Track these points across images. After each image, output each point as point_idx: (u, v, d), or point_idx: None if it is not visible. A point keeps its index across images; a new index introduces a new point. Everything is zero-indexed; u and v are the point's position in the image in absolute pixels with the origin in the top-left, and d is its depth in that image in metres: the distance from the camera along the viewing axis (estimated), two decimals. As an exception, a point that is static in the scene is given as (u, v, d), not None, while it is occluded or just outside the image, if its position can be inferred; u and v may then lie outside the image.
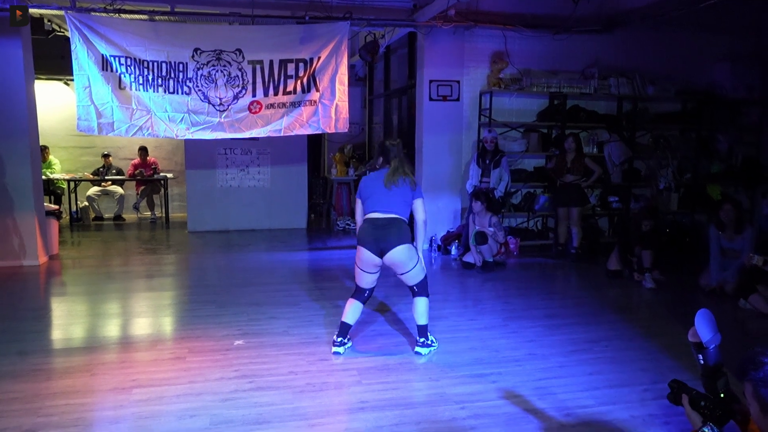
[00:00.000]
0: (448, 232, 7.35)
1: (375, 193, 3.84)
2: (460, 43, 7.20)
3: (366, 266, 3.84)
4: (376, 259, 3.79)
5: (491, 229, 6.36)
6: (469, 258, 6.47)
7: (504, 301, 5.32)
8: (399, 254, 3.75)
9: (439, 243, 7.24)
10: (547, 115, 7.52)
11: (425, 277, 3.94)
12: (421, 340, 3.95)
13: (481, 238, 6.28)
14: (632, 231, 6.09)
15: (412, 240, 3.85)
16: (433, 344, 4.00)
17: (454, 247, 7.01)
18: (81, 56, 5.99)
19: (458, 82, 7.26)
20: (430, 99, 7.22)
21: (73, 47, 5.96)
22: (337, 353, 3.89)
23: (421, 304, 3.91)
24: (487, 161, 6.81)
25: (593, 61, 7.55)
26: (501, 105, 7.45)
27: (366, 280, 3.90)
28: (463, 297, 5.58)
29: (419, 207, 3.91)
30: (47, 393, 3.29)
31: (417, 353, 3.92)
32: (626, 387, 3.45)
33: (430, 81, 7.19)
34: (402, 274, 3.86)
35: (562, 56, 7.47)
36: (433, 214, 7.35)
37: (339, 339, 3.93)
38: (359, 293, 3.95)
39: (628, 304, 5.40)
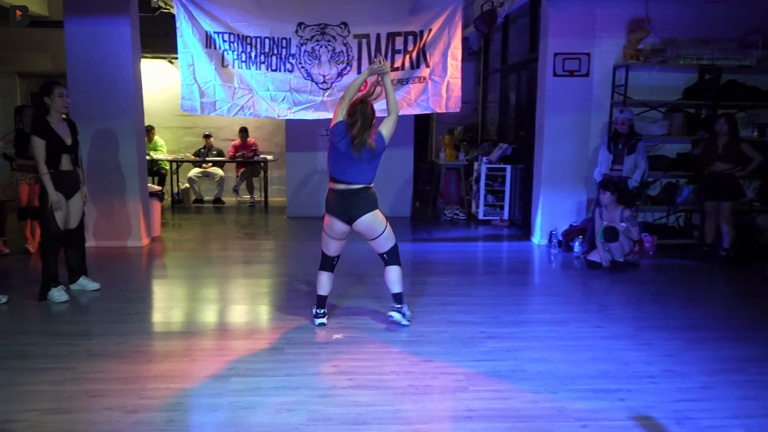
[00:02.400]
0: (571, 226, 7.11)
1: (341, 160, 4.11)
2: (591, 10, 6.90)
3: (334, 233, 4.26)
4: (345, 227, 4.21)
5: (623, 224, 6.07)
6: (594, 256, 6.22)
7: (635, 307, 5.07)
8: (366, 221, 4.17)
9: (560, 238, 7.03)
10: (695, 92, 7.05)
11: (395, 244, 4.35)
12: (398, 306, 4.38)
13: (611, 234, 6.01)
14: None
15: (377, 206, 4.24)
16: (406, 313, 4.42)
17: (577, 244, 6.78)
18: (186, 33, 6.39)
19: (588, 54, 6.97)
20: (555, 74, 6.99)
21: (178, 24, 6.38)
22: (321, 324, 4.38)
23: (393, 273, 4.33)
24: (620, 146, 6.51)
25: (755, 28, 6.94)
26: (639, 81, 7.07)
27: (332, 247, 4.33)
28: (587, 300, 5.39)
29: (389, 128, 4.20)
30: (148, 375, 3.58)
31: (390, 317, 4.38)
32: (787, 417, 3.17)
33: (555, 54, 6.95)
34: (372, 240, 4.28)
35: (717, 22, 6.95)
36: (553, 205, 7.21)
37: (321, 311, 4.41)
38: (326, 262, 4.39)
39: (792, 319, 4.95)
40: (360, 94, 4.24)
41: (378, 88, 4.33)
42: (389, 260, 4.34)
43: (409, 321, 4.43)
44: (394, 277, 4.34)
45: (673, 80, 7.19)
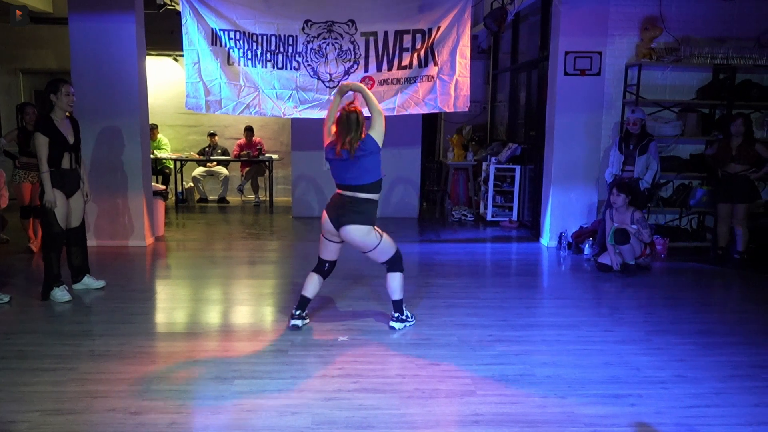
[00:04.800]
0: (581, 228, 7.10)
1: (336, 167, 4.17)
2: (604, 8, 6.88)
3: (324, 231, 4.27)
4: (333, 229, 4.20)
5: (634, 226, 6.05)
6: (605, 259, 6.21)
7: (647, 311, 5.06)
8: (353, 233, 4.14)
9: (570, 240, 7.01)
10: (709, 91, 7.02)
11: (396, 252, 4.31)
12: (396, 315, 4.37)
13: (622, 236, 5.99)
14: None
15: (373, 223, 4.20)
16: (408, 319, 4.42)
17: (587, 246, 6.77)
18: (191, 31, 6.42)
19: (600, 53, 6.95)
20: (565, 73, 6.97)
21: (183, 21, 6.41)
22: (295, 326, 4.34)
23: (394, 280, 4.31)
24: (632, 146, 6.48)
25: (772, 26, 6.91)
26: (652, 80, 7.05)
27: (326, 249, 4.33)
28: (598, 304, 5.38)
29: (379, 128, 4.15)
30: (152, 377, 3.60)
31: (391, 328, 4.35)
32: (802, 425, 3.16)
33: (566, 52, 6.94)
34: (366, 252, 4.26)
35: (732, 20, 6.93)
36: (563, 206, 7.20)
37: (297, 312, 4.36)
38: (319, 266, 4.38)
39: (808, 324, 4.92)
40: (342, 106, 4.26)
41: (359, 97, 4.39)
42: (390, 268, 4.32)
43: (413, 321, 4.45)
44: (395, 284, 4.32)
45: (687, 79, 7.16)
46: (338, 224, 4.16)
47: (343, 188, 4.20)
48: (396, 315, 4.38)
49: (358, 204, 4.14)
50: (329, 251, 4.35)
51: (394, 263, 4.31)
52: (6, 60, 10.10)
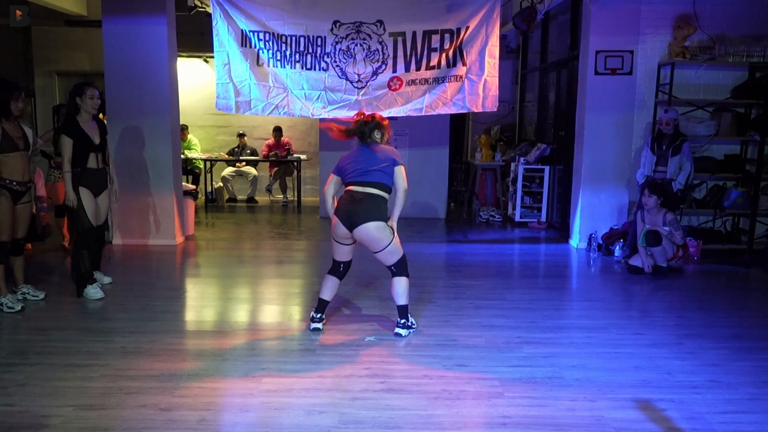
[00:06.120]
0: (611, 229, 7.00)
1: (351, 166, 4.19)
2: (635, 6, 6.78)
3: (336, 236, 4.24)
4: (346, 232, 4.15)
5: (666, 228, 5.95)
6: (636, 261, 6.12)
7: (678, 314, 4.97)
8: (368, 230, 4.08)
9: (600, 242, 6.92)
10: (745, 90, 6.85)
11: (403, 256, 4.26)
12: (402, 321, 4.30)
13: (653, 238, 5.90)
14: None
15: (386, 220, 4.16)
16: (413, 326, 4.36)
17: (617, 248, 6.67)
18: (221, 32, 6.50)
19: (631, 52, 6.85)
20: (596, 73, 6.88)
21: (214, 23, 6.49)
22: (316, 329, 4.32)
23: (401, 284, 4.24)
24: (664, 147, 6.37)
25: (811, 23, 6.75)
26: (685, 79, 6.92)
27: (339, 251, 4.30)
28: (628, 307, 5.30)
29: (402, 173, 4.20)
30: (182, 374, 3.65)
31: (397, 335, 4.27)
32: (841, 433, 3.07)
33: (597, 52, 6.85)
34: (376, 252, 4.19)
35: (768, 17, 6.77)
36: (593, 207, 7.11)
37: (318, 315, 4.35)
38: (334, 268, 4.36)
39: None
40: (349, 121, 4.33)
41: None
42: (397, 272, 4.25)
43: (414, 328, 4.37)
44: (402, 288, 4.24)
45: (721, 78, 7.01)
46: (351, 224, 4.10)
47: (355, 185, 4.16)
48: (402, 321, 4.30)
49: (371, 199, 4.11)
50: (342, 253, 4.31)
51: (402, 266, 4.25)
52: (42, 62, 10.33)
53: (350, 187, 4.19)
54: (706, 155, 7.00)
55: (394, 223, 4.22)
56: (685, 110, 6.92)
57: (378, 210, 4.12)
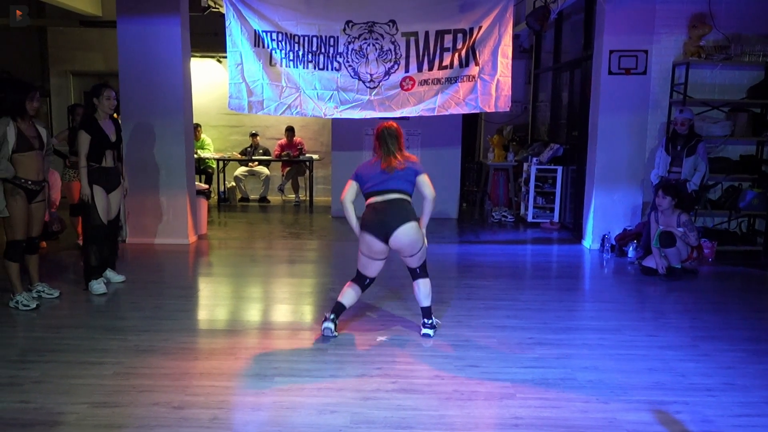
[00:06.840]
0: (625, 230, 6.96)
1: (372, 179, 4.14)
2: (650, 5, 6.74)
3: (371, 253, 4.14)
4: (383, 246, 4.07)
5: (680, 229, 5.90)
6: (650, 262, 6.07)
7: (693, 316, 4.93)
8: (405, 234, 4.02)
9: (613, 243, 6.88)
10: (761, 90, 6.80)
11: (425, 258, 4.24)
12: (429, 322, 4.26)
13: (667, 239, 5.85)
14: None
15: (416, 218, 4.11)
16: (436, 325, 4.33)
17: (631, 249, 6.62)
18: (235, 32, 6.52)
19: (645, 52, 6.81)
20: (610, 72, 6.84)
21: (227, 23, 6.51)
22: (328, 329, 4.18)
23: (426, 285, 4.23)
24: (679, 147, 6.33)
25: (829, 23, 6.67)
26: (700, 79, 6.86)
27: (371, 267, 4.22)
28: (641, 308, 5.26)
29: (426, 181, 4.17)
30: (194, 372, 3.67)
31: (425, 335, 4.23)
32: None
33: (611, 51, 6.81)
34: (408, 256, 4.14)
35: (786, 17, 6.70)
36: (606, 208, 7.06)
37: (332, 316, 4.22)
38: (360, 279, 4.28)
39: None
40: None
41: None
42: (421, 273, 4.23)
43: (437, 328, 4.35)
44: (427, 290, 4.23)
45: (737, 78, 6.95)
46: (387, 234, 4.03)
47: (375, 194, 4.12)
48: (429, 322, 4.27)
49: (399, 203, 4.08)
50: (374, 269, 4.24)
51: (425, 268, 4.26)
52: (57, 63, 10.43)
53: (371, 200, 4.14)
54: (721, 156, 6.95)
55: (423, 229, 4.21)
56: (700, 110, 6.86)
57: (406, 211, 4.08)
